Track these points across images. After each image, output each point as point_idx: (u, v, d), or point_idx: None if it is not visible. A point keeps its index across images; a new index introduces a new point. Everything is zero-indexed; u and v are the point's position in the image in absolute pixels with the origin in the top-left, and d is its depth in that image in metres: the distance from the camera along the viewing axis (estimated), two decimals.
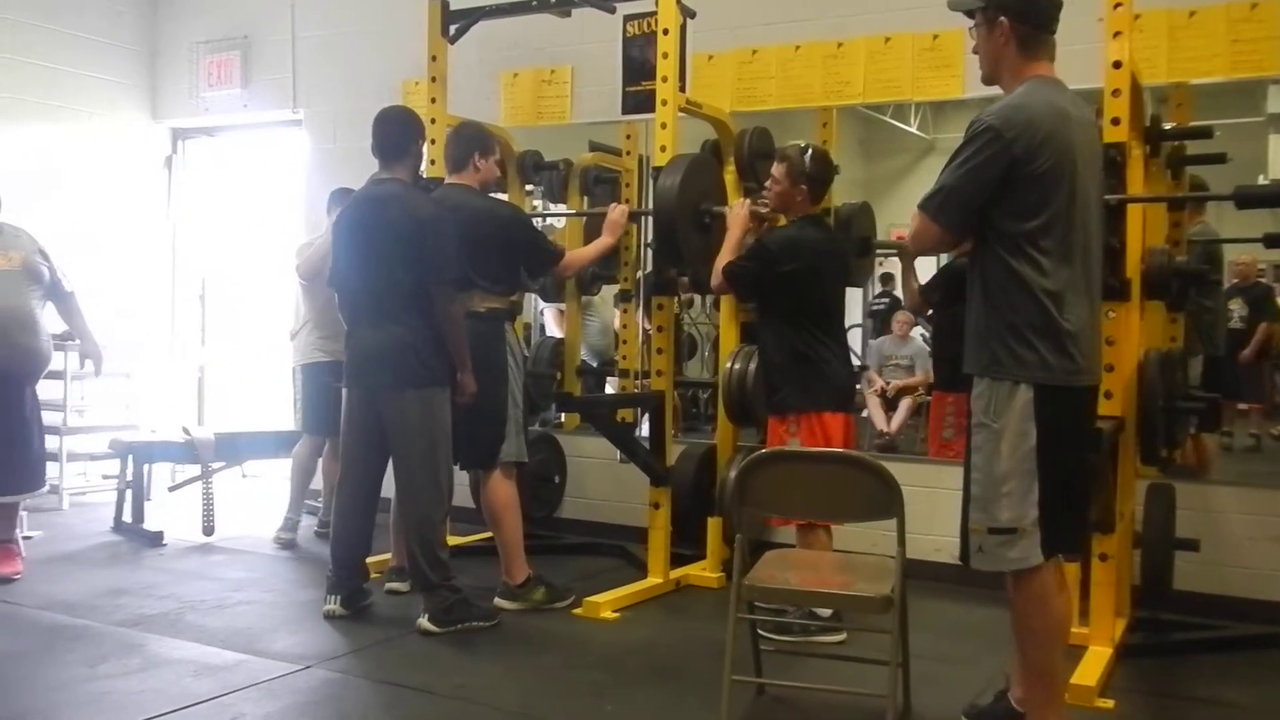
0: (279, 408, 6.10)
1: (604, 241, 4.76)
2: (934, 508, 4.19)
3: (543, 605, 4.42)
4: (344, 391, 4.27)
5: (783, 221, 4.35)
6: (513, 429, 4.42)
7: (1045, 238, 2.75)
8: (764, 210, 4.39)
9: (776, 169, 4.25)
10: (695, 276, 4.86)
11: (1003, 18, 2.83)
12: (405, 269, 4.04)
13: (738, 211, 4.38)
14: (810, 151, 4.22)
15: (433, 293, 4.04)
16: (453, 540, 5.33)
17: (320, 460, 5.72)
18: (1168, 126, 4.45)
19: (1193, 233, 4.96)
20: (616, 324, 6.04)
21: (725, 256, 4.27)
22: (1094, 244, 2.89)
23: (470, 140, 4.45)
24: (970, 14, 2.91)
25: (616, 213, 4.77)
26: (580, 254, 4.86)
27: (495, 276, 4.38)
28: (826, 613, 3.93)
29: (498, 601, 4.39)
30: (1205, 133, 4.50)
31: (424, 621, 4.09)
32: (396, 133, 4.22)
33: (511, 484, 4.44)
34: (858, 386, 6.72)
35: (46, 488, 5.34)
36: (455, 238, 4.12)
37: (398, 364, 4.05)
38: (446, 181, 4.51)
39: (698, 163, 4.58)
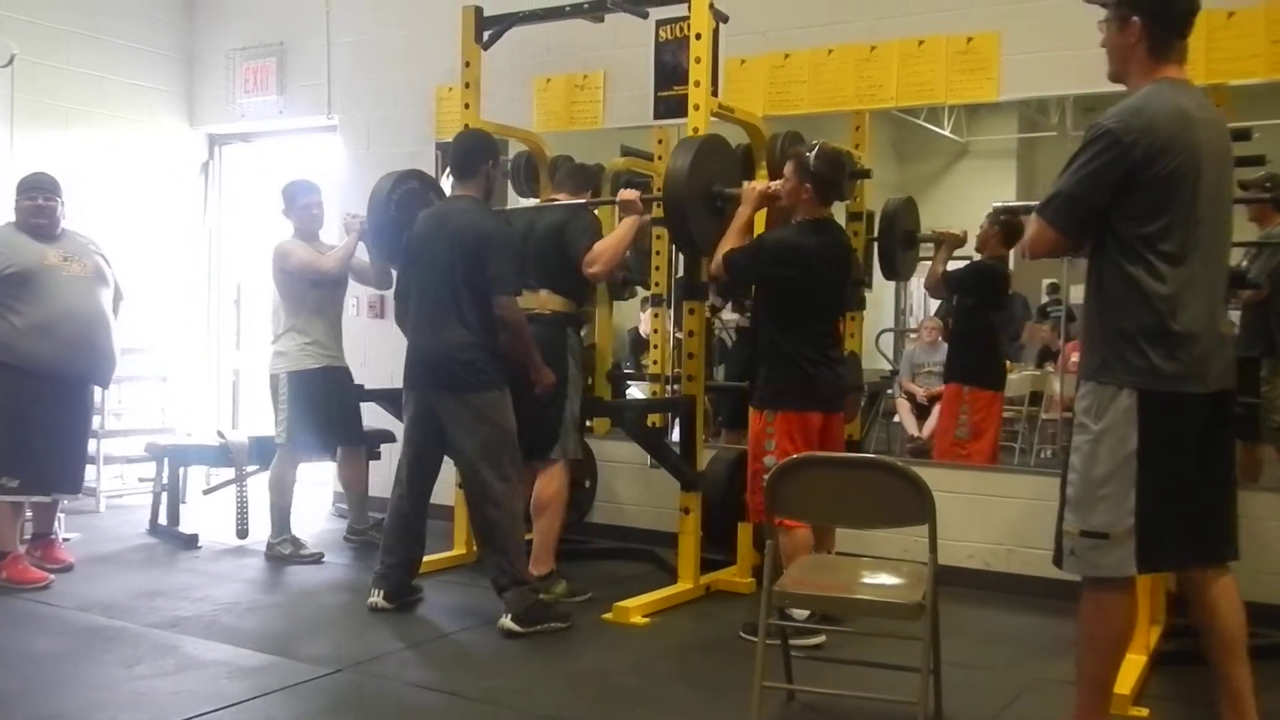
0: None
1: (624, 225, 4.64)
2: (967, 514, 4.16)
3: (560, 600, 4.49)
4: (404, 394, 4.45)
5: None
6: (570, 426, 4.59)
7: (1164, 242, 2.69)
8: (774, 189, 4.35)
9: (786, 166, 4.31)
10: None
11: (1135, 17, 2.77)
12: (466, 280, 4.20)
13: (749, 191, 4.38)
14: (817, 150, 4.22)
15: (495, 303, 4.20)
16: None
17: (337, 469, 5.76)
18: None
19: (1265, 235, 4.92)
20: (645, 328, 6.02)
21: (730, 239, 4.30)
22: (1220, 246, 2.83)
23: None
24: (1103, 4, 2.85)
25: (624, 193, 4.68)
26: (604, 245, 4.61)
27: (559, 281, 4.64)
28: (803, 614, 3.85)
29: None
30: (1244, 134, 4.43)
31: (507, 621, 4.14)
32: (467, 152, 4.45)
33: (564, 479, 4.64)
34: (889, 391, 6.73)
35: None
36: (517, 251, 4.39)
37: (456, 372, 4.22)
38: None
39: (710, 144, 4.45)
